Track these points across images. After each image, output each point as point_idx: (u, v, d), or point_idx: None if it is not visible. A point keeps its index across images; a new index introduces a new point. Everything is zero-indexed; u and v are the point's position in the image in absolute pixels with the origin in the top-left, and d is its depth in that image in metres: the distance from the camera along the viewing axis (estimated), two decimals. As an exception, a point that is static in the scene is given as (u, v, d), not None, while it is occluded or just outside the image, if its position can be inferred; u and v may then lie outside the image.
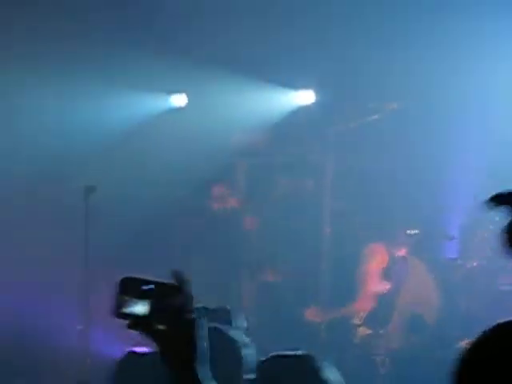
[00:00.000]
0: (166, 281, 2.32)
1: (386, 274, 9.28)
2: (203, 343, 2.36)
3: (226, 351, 4.28)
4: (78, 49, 9.42)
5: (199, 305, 5.02)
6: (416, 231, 9.09)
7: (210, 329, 4.36)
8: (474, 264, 8.96)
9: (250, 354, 4.35)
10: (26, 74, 9.54)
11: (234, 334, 4.45)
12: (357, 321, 9.21)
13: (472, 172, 9.15)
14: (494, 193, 1.74)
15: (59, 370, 8.97)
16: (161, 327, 2.31)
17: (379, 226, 9.26)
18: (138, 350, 4.45)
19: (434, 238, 9.36)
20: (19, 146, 9.68)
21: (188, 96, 10.31)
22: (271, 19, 9.27)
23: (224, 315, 4.91)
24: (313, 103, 9.84)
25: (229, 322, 4.86)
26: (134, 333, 2.28)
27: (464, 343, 8.71)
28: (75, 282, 8.26)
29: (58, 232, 9.05)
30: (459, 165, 9.26)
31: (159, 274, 2.28)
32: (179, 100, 10.36)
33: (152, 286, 2.31)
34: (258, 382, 4.07)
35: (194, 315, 2.37)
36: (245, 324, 4.99)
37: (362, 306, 9.33)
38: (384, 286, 9.26)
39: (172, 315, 2.32)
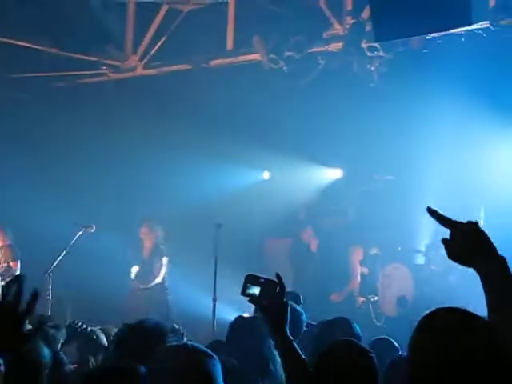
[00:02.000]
0: (270, 278, 3.40)
1: (363, 263, 12.21)
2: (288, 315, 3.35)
3: (294, 316, 4.73)
4: (218, 145, 12.30)
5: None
6: (400, 248, 12.25)
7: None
8: (433, 267, 11.95)
9: (304, 318, 5.97)
10: (183, 158, 12.73)
11: (296, 306, 5.84)
12: (356, 294, 12.12)
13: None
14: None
15: (195, 329, 9.74)
16: (266, 303, 3.36)
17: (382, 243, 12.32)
18: (245, 315, 5.78)
19: (411, 252, 12.50)
20: (183, 197, 12.74)
21: (271, 172, 14.01)
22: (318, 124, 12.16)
23: (295, 296, 6.62)
24: (341, 176, 13.32)
25: (297, 300, 6.49)
26: (251, 305, 3.54)
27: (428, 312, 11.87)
28: (210, 277, 10.57)
29: (202, 249, 11.51)
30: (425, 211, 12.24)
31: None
32: (266, 174, 14.12)
33: (262, 280, 3.37)
34: (308, 337, 5.37)
35: (285, 299, 3.40)
36: (301, 301, 6.66)
37: (355, 283, 12.14)
38: (364, 270, 12.22)
39: (272, 298, 3.38)
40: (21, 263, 12.43)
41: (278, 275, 3.34)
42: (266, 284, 3.34)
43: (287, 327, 3.38)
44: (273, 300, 3.33)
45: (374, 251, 12.38)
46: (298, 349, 3.49)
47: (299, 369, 3.44)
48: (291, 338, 3.41)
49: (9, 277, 11.98)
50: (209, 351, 2.81)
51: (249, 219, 12.96)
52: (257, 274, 3.38)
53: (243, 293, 3.35)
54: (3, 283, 11.64)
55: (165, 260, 12.59)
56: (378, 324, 11.80)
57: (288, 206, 13.21)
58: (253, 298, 3.35)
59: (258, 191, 13.61)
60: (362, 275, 12.40)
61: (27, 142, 13.32)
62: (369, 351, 3.73)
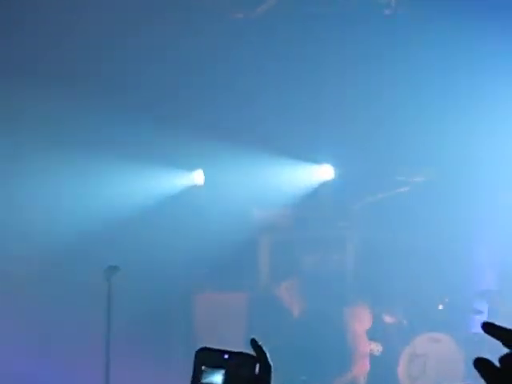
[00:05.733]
0: (242, 351, 2.35)
1: (372, 335, 9.22)
2: None
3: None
4: (103, 128, 9.42)
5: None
6: (442, 306, 8.90)
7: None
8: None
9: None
10: (51, 153, 9.52)
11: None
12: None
13: (494, 245, 9.02)
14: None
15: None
16: None
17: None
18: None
19: (462, 312, 9.11)
20: (44, 223, 9.59)
21: (206, 173, 10.14)
22: (286, 93, 9.14)
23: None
24: (336, 178, 9.55)
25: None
26: None
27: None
28: (98, 354, 8.13)
29: (80, 309, 8.98)
30: (482, 238, 9.13)
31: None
32: (198, 177, 10.21)
33: (227, 356, 2.35)
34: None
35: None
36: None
37: (360, 369, 9.21)
38: (374, 347, 9.20)
39: (250, 383, 2.36)
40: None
41: (254, 342, 2.31)
42: (234, 361, 2.33)
43: None
44: None
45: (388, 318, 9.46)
46: None
47: None
48: None
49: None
50: None
51: (168, 257, 9.22)
52: (215, 347, 2.33)
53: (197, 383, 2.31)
54: None
55: None
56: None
57: (239, 230, 9.70)
58: None
59: (185, 204, 10.08)
60: (372, 355, 9.32)
61: None
62: None
